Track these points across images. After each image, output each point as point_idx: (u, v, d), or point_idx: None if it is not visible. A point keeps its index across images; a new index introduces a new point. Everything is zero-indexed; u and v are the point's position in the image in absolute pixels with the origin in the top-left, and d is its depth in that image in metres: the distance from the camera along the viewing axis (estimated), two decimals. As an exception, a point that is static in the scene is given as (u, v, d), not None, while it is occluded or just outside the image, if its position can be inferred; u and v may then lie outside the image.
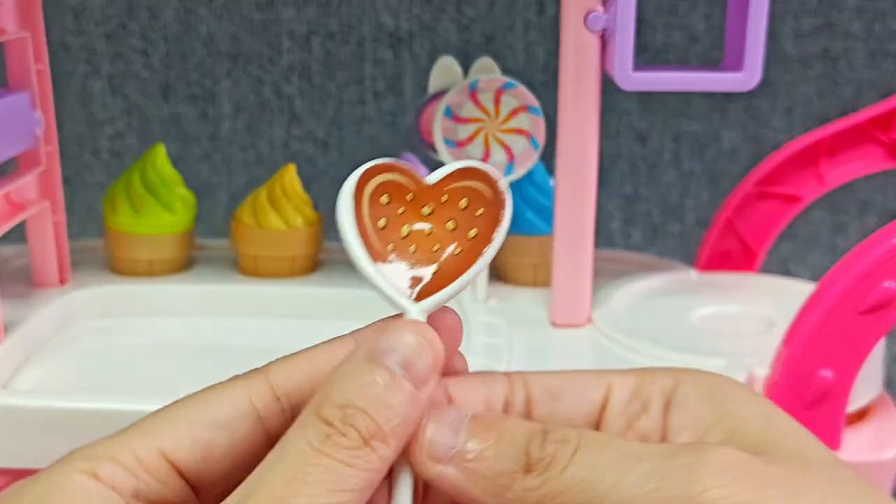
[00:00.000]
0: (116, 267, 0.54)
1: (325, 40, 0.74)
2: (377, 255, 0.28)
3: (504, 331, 0.47)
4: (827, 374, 0.41)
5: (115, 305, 0.52)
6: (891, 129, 0.53)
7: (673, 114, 0.75)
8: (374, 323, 0.29)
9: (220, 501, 0.25)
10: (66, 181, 0.75)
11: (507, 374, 0.29)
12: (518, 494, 0.25)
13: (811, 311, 0.41)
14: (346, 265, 0.57)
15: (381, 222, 0.28)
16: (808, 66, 0.74)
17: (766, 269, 0.60)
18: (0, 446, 0.39)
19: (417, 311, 0.27)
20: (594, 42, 0.45)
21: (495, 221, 0.28)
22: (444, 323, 0.28)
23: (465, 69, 0.52)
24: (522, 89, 0.48)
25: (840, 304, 0.40)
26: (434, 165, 0.52)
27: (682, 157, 0.76)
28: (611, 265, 0.58)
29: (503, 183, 0.29)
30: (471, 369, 0.40)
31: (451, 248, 0.28)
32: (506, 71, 0.52)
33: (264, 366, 0.28)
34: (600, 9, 0.44)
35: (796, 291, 0.53)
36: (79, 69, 0.75)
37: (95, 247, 0.58)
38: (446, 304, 0.28)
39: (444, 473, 0.25)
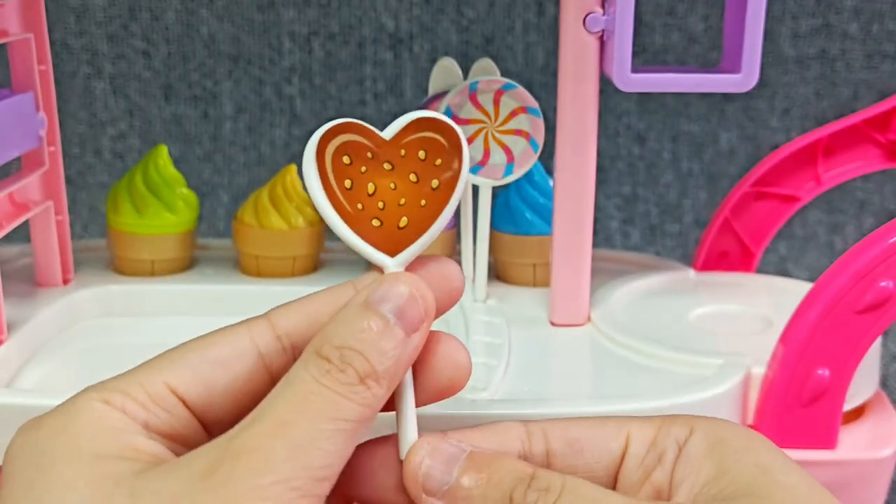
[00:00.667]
0: (119, 267, 0.55)
1: (326, 41, 0.75)
2: (348, 216, 0.29)
3: (503, 330, 0.47)
4: (824, 372, 0.41)
5: (117, 305, 0.53)
6: (888, 130, 0.53)
7: (671, 114, 0.75)
8: (372, 272, 0.30)
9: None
10: (69, 181, 0.75)
11: (525, 424, 0.30)
12: None
13: (808, 310, 0.41)
14: (348, 265, 0.57)
15: (347, 183, 0.29)
16: (805, 66, 0.74)
17: (764, 269, 0.61)
18: (2, 445, 0.39)
19: (394, 265, 0.29)
20: (593, 43, 0.45)
21: (455, 169, 0.29)
22: (438, 272, 0.30)
23: (465, 70, 0.52)
24: (522, 90, 0.48)
25: (837, 303, 0.41)
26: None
27: (681, 158, 0.77)
28: (610, 265, 0.58)
29: (458, 129, 0.29)
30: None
31: (416, 201, 0.29)
32: (505, 72, 0.53)
33: (267, 311, 0.30)
34: (599, 10, 0.44)
35: (793, 291, 0.53)
36: (81, 70, 0.75)
37: (98, 247, 0.59)
38: (443, 255, 0.30)
39: None
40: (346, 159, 0.29)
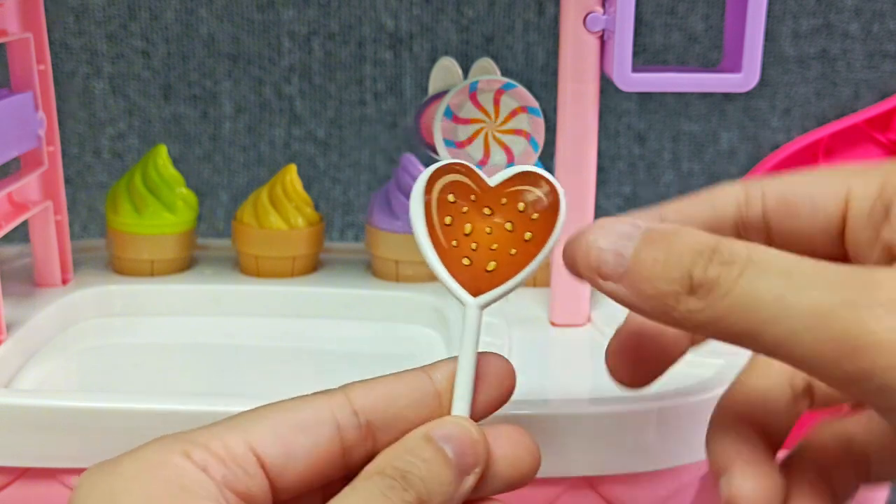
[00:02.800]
0: (118, 267, 0.55)
1: (326, 41, 0.75)
2: (442, 250, 0.30)
3: (503, 330, 0.47)
4: (824, 372, 0.41)
5: (116, 305, 0.53)
6: (889, 130, 0.53)
7: (672, 114, 0.75)
8: (441, 362, 0.30)
9: (290, 500, 0.27)
10: (68, 181, 0.75)
11: (744, 184, 0.28)
12: (683, 315, 0.25)
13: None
14: (347, 265, 0.57)
15: (448, 219, 0.31)
16: (806, 66, 0.74)
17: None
18: (2, 445, 0.39)
19: (474, 304, 0.30)
20: (593, 43, 0.45)
21: (550, 226, 0.30)
22: (492, 368, 0.31)
23: (465, 70, 0.52)
24: (522, 90, 0.48)
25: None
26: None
27: (681, 158, 0.76)
28: (610, 265, 0.58)
29: (561, 191, 0.31)
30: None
31: (507, 248, 0.30)
32: (505, 72, 0.53)
33: (342, 385, 0.29)
34: (599, 10, 0.44)
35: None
36: (80, 70, 0.75)
37: (97, 247, 0.59)
38: (497, 353, 0.31)
39: (613, 290, 0.26)
40: (451, 197, 0.31)
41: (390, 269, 0.54)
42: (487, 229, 0.31)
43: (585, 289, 0.49)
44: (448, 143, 0.49)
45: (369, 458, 0.29)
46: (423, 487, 0.27)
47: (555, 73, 0.47)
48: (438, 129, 0.48)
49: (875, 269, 0.23)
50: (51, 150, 0.51)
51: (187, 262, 0.56)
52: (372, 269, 0.56)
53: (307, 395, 0.29)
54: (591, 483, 0.40)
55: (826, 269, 0.23)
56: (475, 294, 0.30)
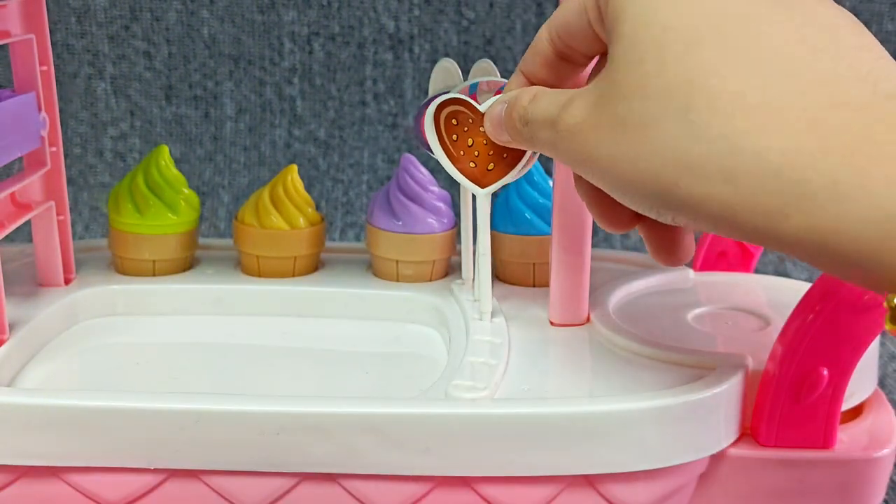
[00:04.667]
0: (120, 267, 0.55)
1: (327, 42, 0.75)
2: (453, 158, 0.44)
3: (503, 330, 0.47)
4: (822, 372, 0.41)
5: (118, 305, 0.53)
6: (886, 131, 0.53)
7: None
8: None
9: None
10: (71, 182, 0.76)
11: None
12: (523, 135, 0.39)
13: (807, 309, 0.41)
14: (348, 265, 0.57)
15: (454, 137, 0.44)
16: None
17: (763, 269, 0.61)
18: (5, 444, 0.39)
19: (483, 193, 0.44)
20: (592, 44, 0.45)
21: None
22: None
23: (465, 71, 0.52)
24: (521, 91, 0.48)
25: (835, 302, 0.41)
26: (434, 166, 0.52)
27: (681, 158, 0.77)
28: (609, 265, 0.59)
29: None
30: (470, 367, 0.41)
31: (500, 154, 0.43)
32: (505, 73, 0.53)
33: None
34: (598, 11, 0.45)
35: (792, 290, 0.53)
36: (83, 71, 0.75)
37: (99, 246, 0.59)
38: None
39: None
40: (454, 121, 0.44)
41: (391, 269, 0.54)
42: (484, 141, 0.43)
43: (585, 289, 0.49)
44: (448, 143, 0.49)
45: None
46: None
47: (554, 74, 0.47)
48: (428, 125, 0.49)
49: (573, 95, 0.35)
50: (53, 150, 0.51)
51: (189, 262, 0.56)
52: (372, 268, 0.56)
53: None
54: (589, 481, 0.40)
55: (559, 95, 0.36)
56: (483, 187, 0.44)
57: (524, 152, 0.43)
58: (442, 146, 0.44)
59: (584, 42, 0.37)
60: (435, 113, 0.44)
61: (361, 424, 0.38)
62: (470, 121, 0.43)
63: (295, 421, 0.38)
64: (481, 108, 0.43)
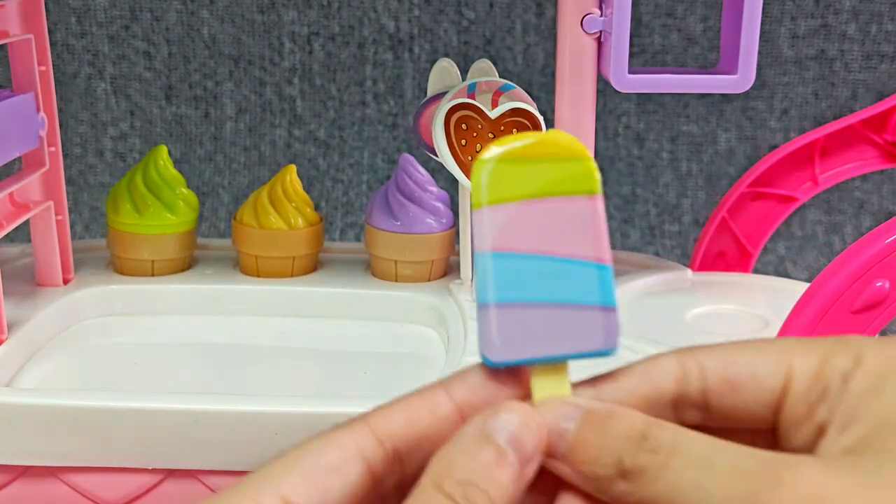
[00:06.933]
0: (119, 267, 0.55)
1: (327, 42, 0.75)
2: (461, 163, 0.44)
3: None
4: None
5: (117, 305, 0.53)
6: (885, 131, 0.53)
7: (670, 115, 0.76)
8: (459, 373, 0.30)
9: None
10: (70, 182, 0.76)
11: (681, 359, 0.29)
12: (618, 495, 0.26)
13: (804, 310, 0.41)
14: (347, 265, 0.57)
15: (463, 142, 0.44)
16: (804, 67, 0.74)
17: (763, 269, 0.61)
18: (4, 444, 0.39)
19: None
20: (590, 44, 0.45)
21: None
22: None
23: (466, 71, 0.52)
24: (520, 91, 0.48)
25: (833, 303, 0.41)
26: (434, 166, 0.52)
27: (680, 158, 0.77)
28: (608, 265, 0.58)
29: (540, 118, 0.46)
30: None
31: None
32: (505, 73, 0.53)
33: (362, 414, 0.29)
34: (597, 11, 0.45)
35: (790, 291, 0.53)
36: (82, 71, 0.75)
37: (98, 246, 0.59)
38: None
39: (557, 468, 0.27)
40: (464, 126, 0.44)
41: (389, 269, 0.54)
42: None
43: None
44: (446, 143, 0.49)
45: (400, 483, 0.29)
46: (487, 500, 0.26)
47: (554, 75, 0.47)
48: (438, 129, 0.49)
49: (787, 461, 0.25)
50: (52, 150, 0.51)
51: (188, 262, 0.56)
52: (371, 268, 0.56)
53: (329, 432, 0.29)
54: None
55: (743, 459, 0.25)
56: None
57: None
58: (450, 150, 0.44)
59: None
60: (445, 116, 0.44)
61: (359, 424, 0.38)
62: (479, 126, 0.44)
63: (293, 421, 0.38)
64: (492, 114, 0.43)
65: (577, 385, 0.29)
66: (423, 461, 0.28)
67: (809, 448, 0.27)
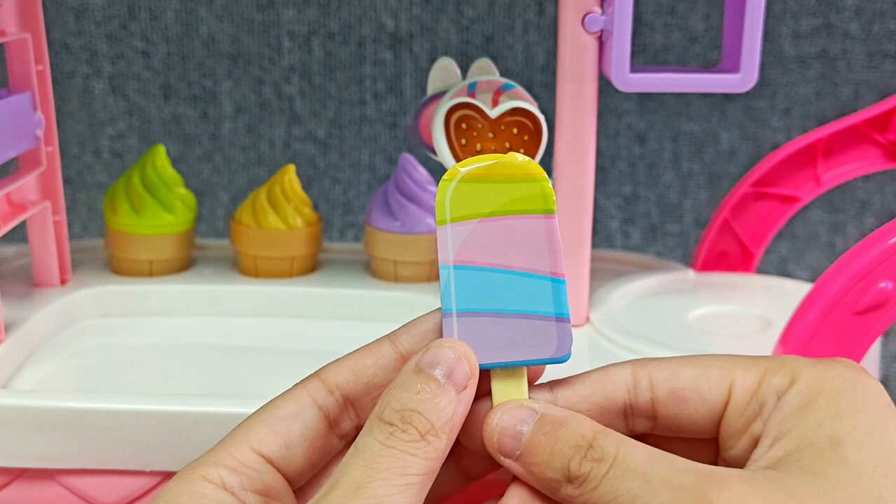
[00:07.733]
0: (117, 267, 0.55)
1: (326, 41, 0.75)
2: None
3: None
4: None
5: (115, 305, 0.53)
6: (888, 130, 0.53)
7: (672, 114, 0.75)
8: (407, 325, 0.33)
9: (306, 484, 0.32)
10: (68, 181, 0.75)
11: (633, 371, 0.31)
12: (565, 498, 0.29)
13: (807, 311, 0.41)
14: (346, 265, 0.57)
15: (463, 141, 0.43)
16: (806, 66, 0.74)
17: (766, 269, 0.61)
18: (0, 446, 0.39)
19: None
20: (592, 43, 0.45)
21: (536, 145, 0.44)
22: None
23: (466, 70, 0.52)
24: (520, 90, 0.48)
25: (836, 304, 0.40)
26: (434, 166, 0.52)
27: (681, 158, 0.76)
28: (609, 265, 0.58)
29: (541, 119, 0.44)
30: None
31: None
32: (505, 72, 0.53)
33: (315, 371, 0.33)
34: (598, 10, 0.44)
35: (792, 292, 0.53)
36: (80, 70, 0.75)
37: (96, 247, 0.59)
38: None
39: (511, 466, 0.30)
40: (464, 126, 0.43)
41: (389, 270, 0.54)
42: (493, 147, 0.43)
43: (585, 289, 0.49)
44: (447, 143, 0.49)
45: (358, 426, 0.32)
46: (424, 420, 0.29)
47: (555, 73, 0.47)
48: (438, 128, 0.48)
49: (715, 477, 0.27)
50: (49, 150, 0.51)
51: (186, 263, 0.56)
52: (370, 269, 0.56)
53: (288, 390, 0.32)
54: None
55: (677, 475, 0.27)
56: None
57: (533, 156, 0.43)
58: (450, 149, 0.44)
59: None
60: (445, 115, 0.43)
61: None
62: (479, 126, 0.43)
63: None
64: (492, 114, 0.43)
65: (536, 388, 0.31)
66: (372, 405, 0.31)
67: (744, 458, 0.29)
